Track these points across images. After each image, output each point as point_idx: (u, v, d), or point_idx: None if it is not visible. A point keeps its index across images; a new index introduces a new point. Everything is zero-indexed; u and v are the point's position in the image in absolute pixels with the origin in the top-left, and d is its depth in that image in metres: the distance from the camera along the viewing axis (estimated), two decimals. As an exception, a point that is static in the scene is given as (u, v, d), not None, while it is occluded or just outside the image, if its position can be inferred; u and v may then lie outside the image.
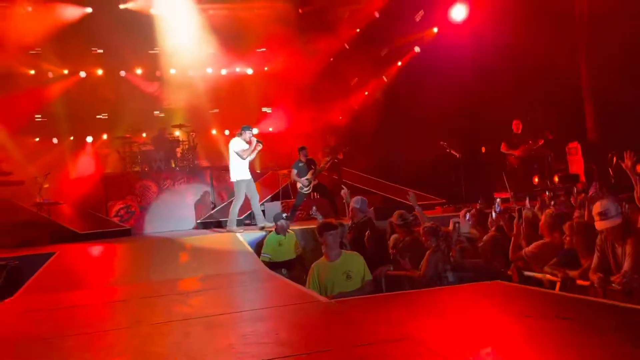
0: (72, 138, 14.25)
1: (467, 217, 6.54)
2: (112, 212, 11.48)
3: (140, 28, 13.15)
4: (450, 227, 6.04)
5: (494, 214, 6.22)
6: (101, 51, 14.22)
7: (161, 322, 3.39)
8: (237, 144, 8.88)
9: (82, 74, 14.49)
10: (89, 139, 14.23)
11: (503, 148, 10.51)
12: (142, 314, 3.84)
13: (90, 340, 3.06)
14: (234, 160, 8.86)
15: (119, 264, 7.09)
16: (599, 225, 4.09)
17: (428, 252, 5.17)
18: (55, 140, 14.12)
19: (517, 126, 10.46)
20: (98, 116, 14.53)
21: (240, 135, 8.97)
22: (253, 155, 8.97)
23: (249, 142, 8.84)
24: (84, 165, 13.25)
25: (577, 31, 10.68)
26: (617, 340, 2.36)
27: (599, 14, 10.38)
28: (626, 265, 3.83)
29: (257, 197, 9.12)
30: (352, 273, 4.59)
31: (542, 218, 5.03)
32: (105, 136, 14.59)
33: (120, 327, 3.49)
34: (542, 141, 10.06)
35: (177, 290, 4.87)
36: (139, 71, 15.06)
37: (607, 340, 2.36)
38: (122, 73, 14.92)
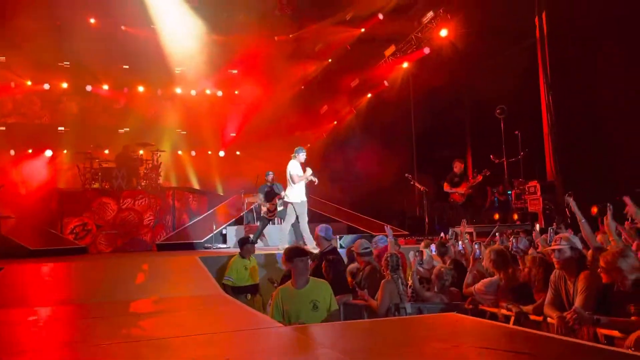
0: (30, 151, 13.85)
1: (432, 249, 6.58)
2: (67, 229, 11.10)
3: (110, 43, 13.03)
4: (411, 258, 6.08)
5: (460, 245, 6.30)
6: (67, 64, 13.98)
7: (107, 343, 3.24)
8: (293, 167, 8.85)
9: (46, 86, 14.19)
10: (48, 152, 13.85)
11: (446, 187, 10.90)
12: (88, 333, 3.67)
13: (30, 358, 2.89)
14: (294, 182, 8.81)
15: (70, 282, 6.81)
16: (554, 260, 4.18)
17: (383, 281, 5.16)
18: (12, 152, 13.68)
19: (458, 167, 10.92)
20: (60, 129, 14.19)
21: (294, 157, 8.95)
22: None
23: (303, 165, 8.83)
24: (41, 179, 12.84)
25: (540, 72, 11.10)
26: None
27: (561, 58, 10.84)
28: (577, 301, 3.90)
29: (307, 219, 9.00)
30: (319, 303, 4.48)
31: (486, 255, 5.07)
32: (65, 151, 14.23)
33: (62, 345, 3.32)
34: (481, 177, 10.42)
35: (128, 311, 4.69)
36: (105, 87, 14.85)
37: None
38: (88, 88, 14.68)
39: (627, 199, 5.24)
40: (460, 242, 6.57)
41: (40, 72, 13.79)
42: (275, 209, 10.21)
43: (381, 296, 5.07)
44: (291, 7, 14.18)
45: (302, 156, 8.93)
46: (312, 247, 8.41)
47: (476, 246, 5.74)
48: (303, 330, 3.51)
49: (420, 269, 5.93)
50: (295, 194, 8.83)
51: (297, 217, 8.82)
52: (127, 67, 14.07)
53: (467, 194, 10.67)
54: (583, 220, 5.02)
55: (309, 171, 8.82)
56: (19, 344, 3.37)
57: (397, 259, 5.28)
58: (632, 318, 3.52)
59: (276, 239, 10.83)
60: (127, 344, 3.19)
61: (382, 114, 14.72)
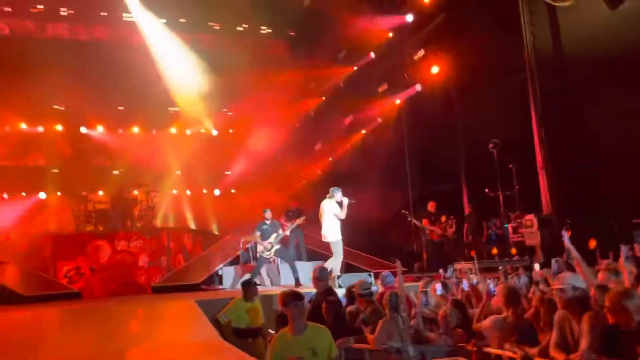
0: (24, 194, 13.76)
1: (439, 288, 6.49)
2: (60, 274, 10.93)
3: (106, 84, 13.13)
4: (413, 297, 5.99)
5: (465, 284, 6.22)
6: (62, 108, 14.05)
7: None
8: (331, 206, 9.04)
9: (40, 129, 14.23)
10: (42, 195, 13.78)
11: (425, 223, 11.49)
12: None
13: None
14: (330, 220, 9.02)
15: (61, 332, 6.65)
16: (557, 300, 4.12)
17: (382, 320, 5.07)
18: (5, 196, 13.59)
19: (432, 207, 11.66)
20: (53, 171, 14.16)
21: (331, 197, 9.11)
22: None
23: (341, 202, 9.03)
24: (33, 222, 12.72)
25: (531, 105, 11.24)
26: None
27: (552, 92, 10.99)
28: (583, 343, 3.82)
29: (341, 257, 9.19)
30: (318, 350, 4.33)
31: (498, 291, 5.02)
32: (59, 193, 14.15)
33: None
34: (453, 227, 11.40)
35: (122, 362, 4.56)
36: (100, 128, 14.91)
37: None
38: (83, 129, 14.73)
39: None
40: (465, 281, 6.48)
41: (34, 115, 13.86)
42: (272, 247, 10.10)
43: (378, 332, 5.01)
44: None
45: (339, 195, 9.08)
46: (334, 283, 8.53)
47: (489, 282, 5.68)
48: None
49: (426, 310, 5.83)
50: (332, 232, 9.04)
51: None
52: (121, 108, 14.14)
53: (442, 235, 11.40)
54: (579, 258, 4.98)
55: (346, 200, 9.05)
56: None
57: (397, 297, 5.19)
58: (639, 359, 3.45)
59: (274, 279, 10.72)
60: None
61: (376, 150, 14.79)
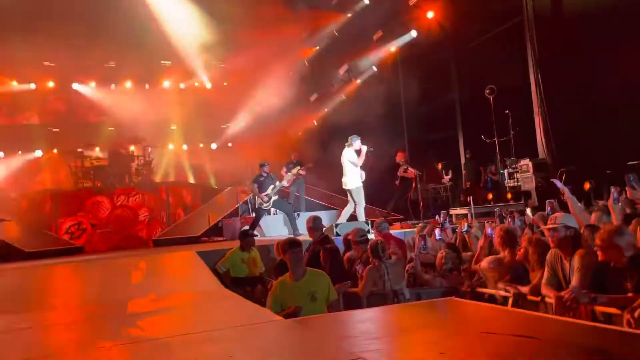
0: (20, 152, 13.72)
1: (437, 234, 6.63)
2: (62, 230, 11.04)
3: (96, 40, 12.84)
4: (413, 242, 6.11)
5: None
6: (52, 64, 13.78)
7: (107, 346, 3.23)
8: (349, 154, 9.05)
9: (32, 86, 14.02)
10: (38, 152, 13.74)
11: (411, 174, 11.68)
12: (87, 337, 3.66)
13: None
14: (349, 169, 9.07)
15: (66, 284, 6.79)
16: (550, 240, 4.21)
17: (368, 267, 5.20)
18: (1, 154, 13.55)
19: (400, 157, 11.81)
20: (49, 129, 14.06)
21: (350, 145, 9.12)
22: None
23: (359, 151, 9.03)
24: (32, 180, 12.75)
25: (528, 51, 11.09)
26: (576, 354, 2.39)
27: (548, 36, 10.82)
28: (574, 280, 3.92)
29: (364, 204, 9.23)
30: (317, 294, 4.47)
31: (496, 233, 5.13)
32: (55, 150, 14.11)
33: (63, 351, 3.31)
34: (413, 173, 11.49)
35: (127, 311, 4.67)
36: (92, 84, 14.69)
37: (566, 355, 2.39)
38: (75, 86, 14.52)
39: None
40: (464, 225, 6.60)
41: (24, 72, 13.61)
42: (270, 199, 10.19)
43: (364, 281, 5.15)
44: None
45: (358, 143, 9.07)
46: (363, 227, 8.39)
47: (487, 225, 5.79)
48: (303, 323, 3.52)
49: (423, 254, 5.97)
50: (351, 180, 9.06)
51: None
52: (112, 64, 13.88)
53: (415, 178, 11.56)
54: (572, 198, 5.07)
55: (365, 148, 9.05)
56: (21, 351, 3.35)
57: (381, 246, 5.29)
58: (629, 295, 3.55)
59: (272, 229, 10.86)
60: (127, 345, 3.18)
61: (372, 99, 14.65)
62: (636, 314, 3.21)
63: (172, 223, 11.83)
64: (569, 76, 10.40)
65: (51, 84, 14.27)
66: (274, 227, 10.99)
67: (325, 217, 10.70)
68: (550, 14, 10.85)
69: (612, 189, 5.11)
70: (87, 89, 14.61)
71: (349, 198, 9.21)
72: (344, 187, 9.26)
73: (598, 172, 8.86)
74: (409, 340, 2.88)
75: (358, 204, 9.11)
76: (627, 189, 5.61)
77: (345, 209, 9.29)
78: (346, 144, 9.18)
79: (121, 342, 3.33)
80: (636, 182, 5.38)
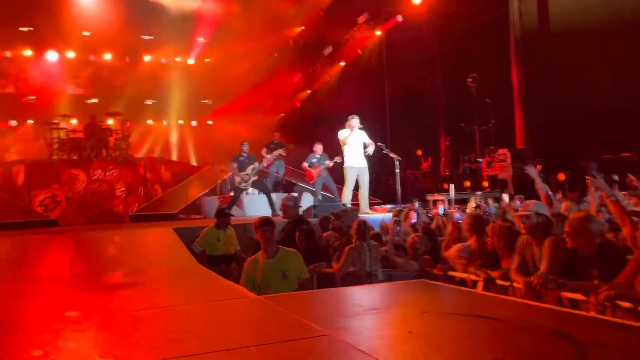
0: (-6, 121, 13.41)
1: (414, 217, 6.67)
2: (36, 202, 10.86)
3: (74, 8, 12.52)
4: (387, 226, 6.15)
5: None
6: (29, 29, 13.36)
7: (79, 317, 3.20)
8: (341, 132, 8.94)
9: (7, 54, 13.65)
10: (13, 122, 13.43)
11: (304, 166, 11.26)
12: (59, 307, 3.62)
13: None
14: (345, 148, 8.93)
15: (38, 256, 6.69)
16: (521, 226, 4.28)
17: (348, 247, 5.24)
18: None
19: (318, 149, 11.17)
20: (25, 99, 13.73)
21: (346, 124, 8.98)
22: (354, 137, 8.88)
23: (352, 129, 8.86)
24: (5, 151, 12.47)
25: (510, 42, 11.17)
26: (538, 336, 2.46)
27: (531, 28, 10.89)
28: (542, 266, 4.01)
29: (352, 186, 9.08)
30: (289, 272, 4.50)
31: (465, 219, 5.17)
32: (31, 121, 13.80)
33: (31, 321, 3.27)
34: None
35: (101, 284, 4.64)
36: (71, 54, 14.35)
37: (528, 336, 2.46)
38: (53, 55, 14.16)
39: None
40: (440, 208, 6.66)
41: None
42: (249, 179, 10.15)
43: (343, 260, 5.18)
44: None
45: (354, 122, 8.91)
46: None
47: (455, 211, 5.84)
48: (274, 300, 3.53)
49: (397, 238, 6.02)
50: (348, 158, 8.96)
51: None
52: (87, 33, 13.50)
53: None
54: (544, 189, 5.14)
55: (356, 123, 8.81)
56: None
57: (365, 226, 5.33)
58: (595, 282, 3.64)
59: (252, 208, 10.83)
60: (99, 317, 3.17)
61: (355, 82, 14.62)
62: (600, 297, 3.29)
63: (149, 199, 11.71)
64: (551, 67, 10.52)
65: (28, 52, 13.89)
66: (255, 207, 10.97)
67: (307, 198, 10.73)
68: (535, 5, 10.90)
69: (591, 178, 5.15)
70: (65, 59, 14.26)
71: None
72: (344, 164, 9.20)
73: (574, 164, 9.02)
74: (378, 319, 2.92)
75: (345, 185, 9.05)
76: (586, 178, 5.64)
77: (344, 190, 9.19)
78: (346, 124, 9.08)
79: (94, 314, 3.32)
80: (596, 172, 5.46)
